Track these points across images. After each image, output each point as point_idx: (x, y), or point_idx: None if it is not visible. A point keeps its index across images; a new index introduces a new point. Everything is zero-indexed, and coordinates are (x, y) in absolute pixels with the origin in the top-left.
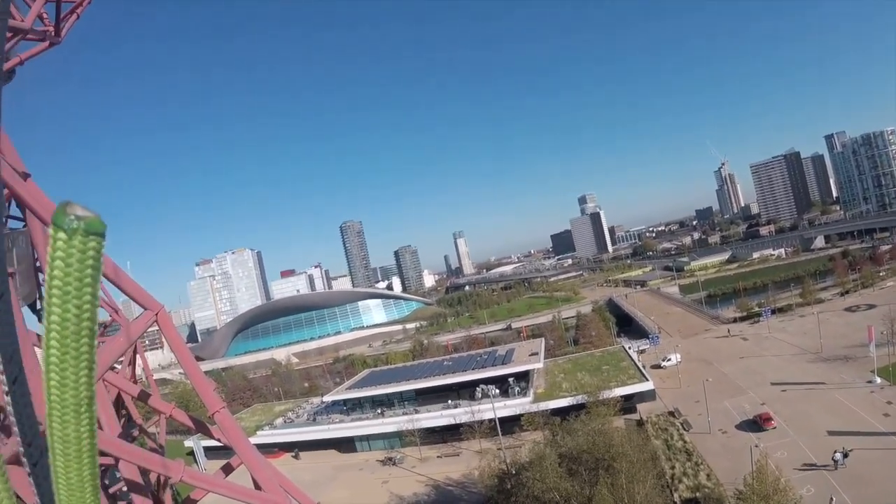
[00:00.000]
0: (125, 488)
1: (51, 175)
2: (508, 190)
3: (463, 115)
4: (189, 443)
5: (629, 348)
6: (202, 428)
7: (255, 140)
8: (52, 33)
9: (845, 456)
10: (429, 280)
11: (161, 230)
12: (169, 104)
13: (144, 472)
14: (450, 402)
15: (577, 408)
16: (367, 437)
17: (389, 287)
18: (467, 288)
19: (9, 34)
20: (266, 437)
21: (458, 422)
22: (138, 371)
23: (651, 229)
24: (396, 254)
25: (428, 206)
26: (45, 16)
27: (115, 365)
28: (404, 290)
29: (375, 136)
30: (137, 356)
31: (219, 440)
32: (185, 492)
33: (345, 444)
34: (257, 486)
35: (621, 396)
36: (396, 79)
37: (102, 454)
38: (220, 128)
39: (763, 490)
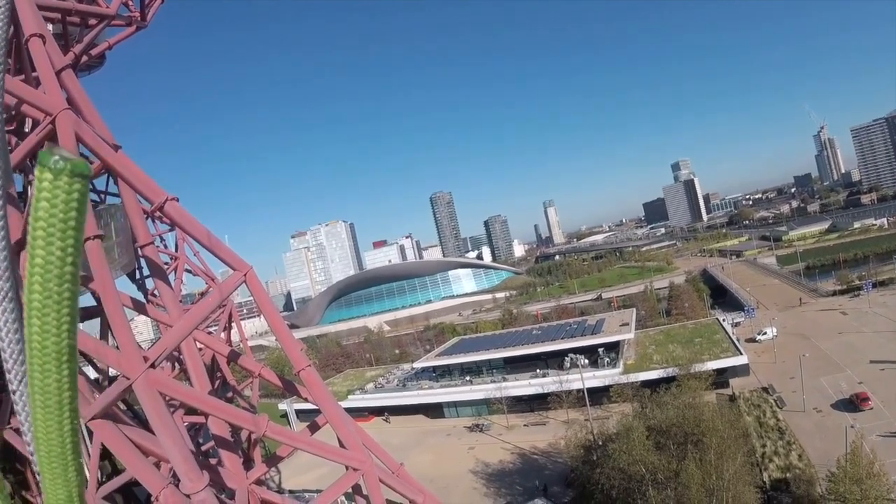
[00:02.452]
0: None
1: (143, 153)
2: (600, 157)
3: (552, 84)
4: (283, 406)
5: (723, 321)
6: (289, 387)
7: (349, 114)
8: (139, 18)
9: None
10: (518, 250)
11: (257, 205)
12: (259, 82)
13: (234, 431)
14: (538, 371)
15: (667, 380)
16: (455, 404)
17: (479, 257)
18: (557, 257)
19: (94, 20)
20: (357, 401)
21: (545, 391)
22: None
23: (747, 197)
24: (486, 223)
25: (518, 176)
26: (130, 2)
27: (211, 329)
28: (494, 259)
29: (465, 108)
30: (233, 323)
31: (305, 399)
32: (275, 449)
33: (433, 410)
34: (341, 445)
35: (714, 370)
36: (485, 52)
37: (192, 412)
38: (311, 103)
39: (856, 474)
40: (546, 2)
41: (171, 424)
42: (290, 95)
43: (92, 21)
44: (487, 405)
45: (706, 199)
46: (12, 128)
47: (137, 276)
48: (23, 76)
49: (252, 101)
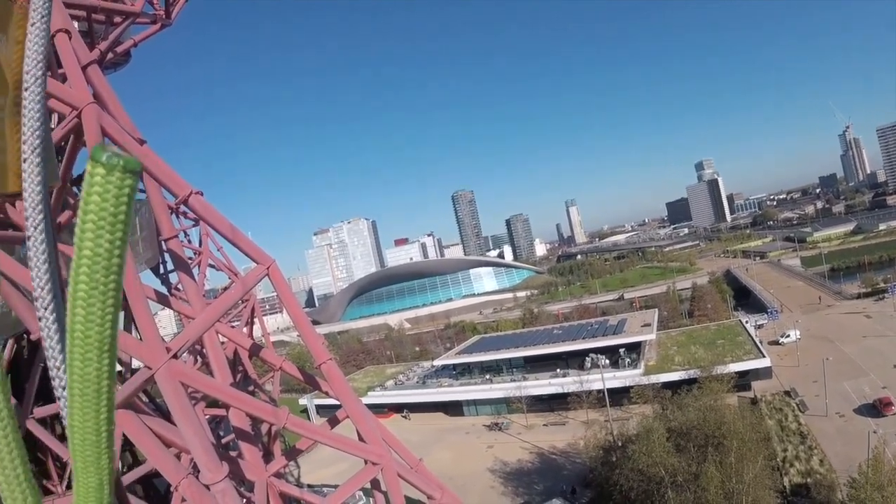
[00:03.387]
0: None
1: (167, 150)
2: (622, 156)
3: (575, 82)
4: (303, 401)
5: (746, 323)
6: (310, 380)
7: (370, 112)
8: (164, 16)
9: None
10: (540, 249)
11: (281, 202)
12: (282, 79)
13: (255, 423)
14: (558, 370)
15: (688, 382)
16: (475, 402)
17: (501, 255)
18: (579, 257)
19: (119, 18)
20: (377, 397)
21: (565, 391)
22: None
23: (772, 197)
24: (508, 222)
25: (540, 175)
26: (154, 0)
27: (234, 324)
28: (515, 258)
29: (488, 106)
30: (255, 318)
31: (326, 392)
32: (296, 439)
33: (452, 408)
34: (361, 439)
35: (735, 373)
36: (507, 49)
37: (215, 404)
38: (335, 100)
39: (878, 480)
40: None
41: (192, 415)
42: (314, 92)
43: (117, 19)
44: (507, 404)
45: (730, 199)
46: None
47: (161, 270)
48: (48, 72)
49: (276, 98)
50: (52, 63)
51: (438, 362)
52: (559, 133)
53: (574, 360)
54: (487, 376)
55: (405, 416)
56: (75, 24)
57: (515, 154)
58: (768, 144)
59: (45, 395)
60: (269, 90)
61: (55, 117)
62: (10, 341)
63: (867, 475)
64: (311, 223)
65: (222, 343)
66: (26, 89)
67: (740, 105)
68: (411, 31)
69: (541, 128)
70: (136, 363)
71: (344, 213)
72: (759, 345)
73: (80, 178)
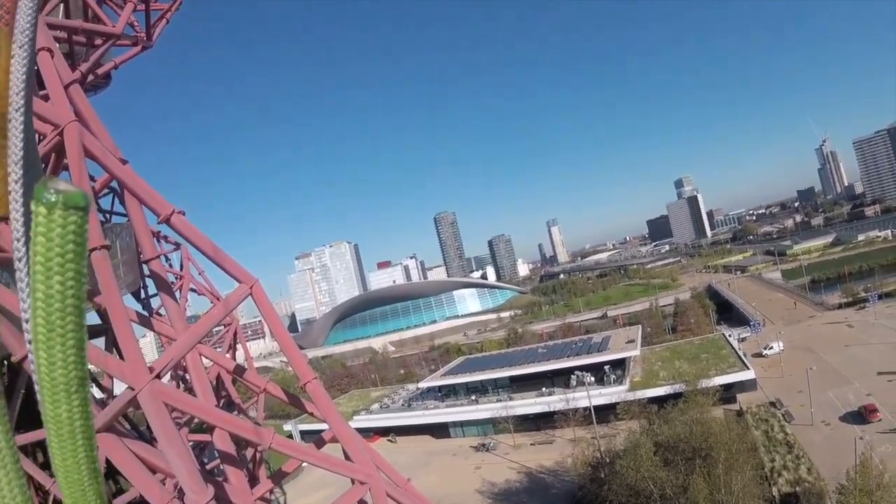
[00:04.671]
0: (222, 467)
1: (148, 174)
2: (603, 176)
3: (555, 103)
4: (288, 426)
5: (729, 336)
6: (295, 401)
7: (351, 135)
8: (144, 38)
9: None
10: (523, 269)
11: (262, 226)
12: (261, 103)
13: (239, 447)
14: (544, 389)
15: (674, 397)
16: (461, 424)
17: (484, 276)
18: (562, 276)
19: (100, 40)
20: (362, 421)
21: (552, 409)
22: (241, 359)
23: (751, 212)
24: (490, 243)
25: (521, 195)
26: (135, 23)
27: (217, 348)
28: (498, 279)
29: (468, 128)
30: (238, 343)
31: (311, 413)
32: (279, 461)
33: (439, 430)
34: (348, 459)
35: (720, 386)
36: (484, 71)
37: (199, 430)
38: (314, 125)
39: (866, 486)
40: (547, 14)
41: (176, 436)
42: (294, 116)
43: (98, 40)
44: (493, 424)
45: (710, 215)
46: None
47: (142, 294)
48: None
49: (256, 121)
50: (33, 82)
51: (423, 384)
52: (540, 153)
53: (559, 379)
54: (473, 397)
55: (391, 440)
56: (56, 45)
57: (497, 175)
58: (747, 160)
59: (27, 421)
60: (250, 113)
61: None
62: None
63: (855, 481)
64: (292, 247)
65: (206, 368)
66: (14, 110)
67: (719, 122)
68: (391, 53)
69: (522, 148)
70: (118, 390)
71: (326, 237)
72: (742, 357)
73: None
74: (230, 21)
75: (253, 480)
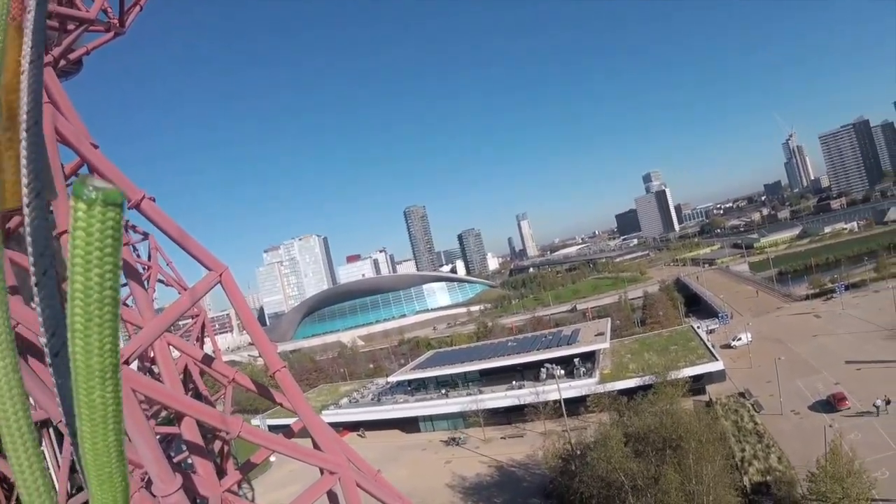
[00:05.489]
0: (189, 460)
1: (118, 161)
2: (572, 170)
3: (525, 97)
4: (256, 421)
5: (698, 328)
6: (263, 391)
7: (318, 127)
8: (117, 24)
9: (888, 403)
10: (493, 263)
11: (230, 218)
12: (232, 93)
13: (207, 440)
14: (514, 383)
15: (644, 388)
16: (431, 418)
17: (454, 270)
18: (531, 270)
19: (73, 25)
20: (331, 416)
21: (522, 403)
22: (209, 350)
23: (719, 206)
24: (460, 237)
25: (491, 190)
26: (108, 9)
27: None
28: (468, 273)
29: (439, 122)
30: (207, 336)
31: (280, 404)
32: (245, 456)
33: (409, 425)
34: (317, 449)
35: (690, 377)
36: (459, 62)
37: (167, 423)
38: (284, 115)
39: (837, 472)
40: (515, 11)
41: (144, 424)
42: (264, 107)
43: (70, 25)
44: (464, 418)
45: (678, 209)
46: None
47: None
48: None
49: (225, 112)
50: None
51: (393, 378)
52: (509, 148)
53: (529, 372)
54: (443, 391)
55: (361, 435)
56: None
57: (467, 169)
58: (714, 155)
59: None
60: (220, 103)
61: None
62: None
63: (825, 469)
64: (261, 241)
65: (174, 360)
66: (29, 107)
67: (687, 117)
68: (362, 46)
69: (491, 143)
70: None
71: (295, 229)
72: (711, 349)
73: None
74: (202, 8)
75: (221, 473)
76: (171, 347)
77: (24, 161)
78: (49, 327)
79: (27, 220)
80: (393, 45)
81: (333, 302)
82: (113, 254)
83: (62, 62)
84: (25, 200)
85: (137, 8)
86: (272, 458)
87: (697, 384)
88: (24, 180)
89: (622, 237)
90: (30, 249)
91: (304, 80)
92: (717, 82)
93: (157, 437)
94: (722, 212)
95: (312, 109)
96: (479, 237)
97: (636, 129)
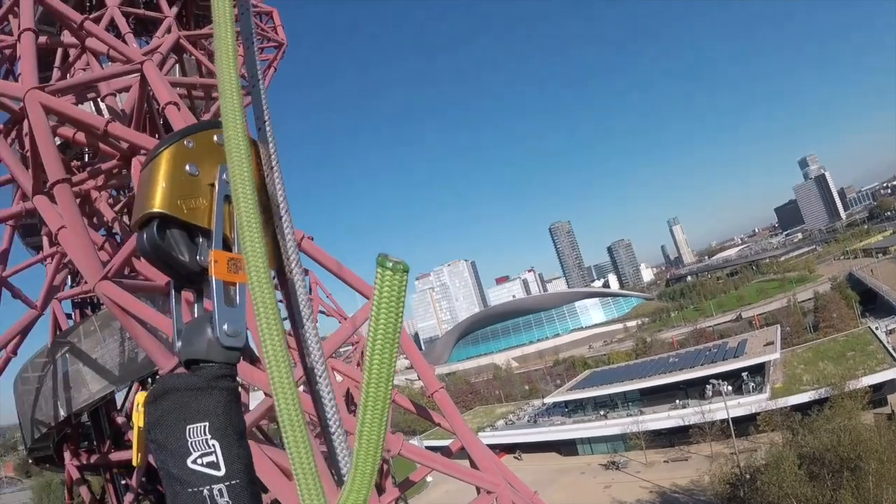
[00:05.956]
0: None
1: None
2: (721, 165)
3: (666, 92)
4: (413, 442)
5: (876, 329)
6: (422, 411)
7: (458, 151)
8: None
9: None
10: (647, 274)
11: (383, 248)
12: (374, 126)
13: None
14: (677, 401)
15: (819, 402)
16: (589, 440)
17: (606, 285)
18: (689, 278)
19: (216, 93)
20: (488, 438)
21: (686, 423)
22: None
23: (885, 185)
24: (610, 249)
25: (637, 196)
26: (245, 73)
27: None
28: (621, 286)
29: (577, 132)
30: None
31: (438, 424)
32: (404, 475)
33: (566, 447)
34: (474, 468)
35: (869, 387)
36: (591, 74)
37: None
38: (424, 147)
39: None
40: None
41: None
42: (407, 142)
43: (214, 93)
44: (624, 440)
45: (841, 193)
46: None
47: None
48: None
49: (368, 148)
50: (162, 134)
51: (549, 400)
52: (654, 150)
53: (693, 390)
54: (601, 412)
55: (517, 457)
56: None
57: (609, 178)
58: (872, 126)
59: None
60: (360, 142)
61: None
62: (136, 385)
63: None
64: (413, 268)
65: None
66: (279, 198)
67: (836, 88)
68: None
69: (634, 148)
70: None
71: (443, 255)
72: (892, 352)
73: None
74: (335, 47)
75: (380, 490)
76: (334, 372)
77: (285, 229)
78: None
79: (291, 281)
80: (535, 61)
81: (486, 324)
82: (401, 306)
83: None
84: (290, 262)
85: (272, 70)
86: (429, 479)
87: (878, 394)
88: (289, 245)
89: (784, 232)
90: (296, 298)
91: (441, 107)
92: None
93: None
94: (889, 191)
95: (451, 139)
96: (629, 248)
97: (787, 111)
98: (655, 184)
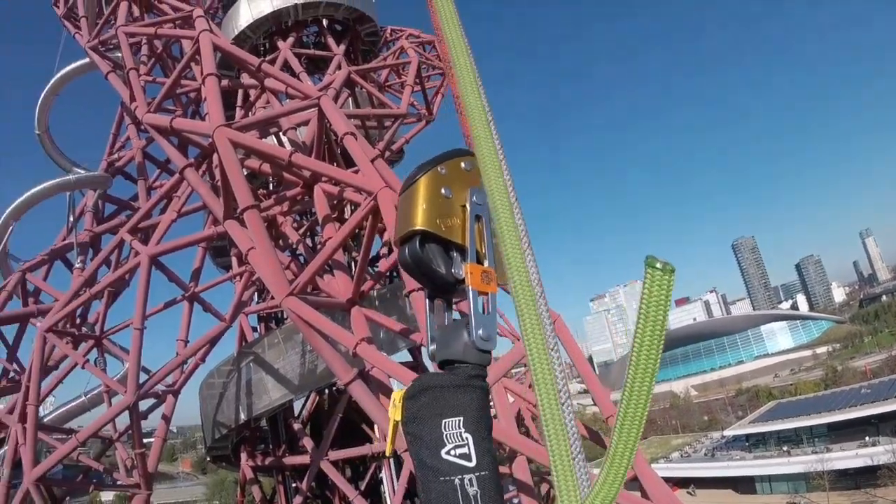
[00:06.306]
0: (516, 500)
1: None
2: None
3: (849, 90)
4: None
5: None
6: (594, 436)
7: (631, 172)
8: (426, 113)
9: None
10: (838, 293)
11: (553, 270)
12: (531, 150)
13: (535, 482)
14: (867, 438)
15: None
16: (769, 478)
17: (794, 306)
18: (885, 298)
19: (389, 122)
20: (661, 469)
21: (875, 463)
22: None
23: None
24: (798, 267)
25: (825, 205)
26: (415, 102)
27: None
28: (811, 308)
29: (758, 142)
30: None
31: None
32: None
33: (744, 484)
34: (646, 498)
35: None
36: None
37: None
38: (591, 167)
39: None
40: None
41: None
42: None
43: (387, 122)
44: (806, 480)
45: None
46: (335, 216)
47: None
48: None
49: (534, 169)
50: (341, 165)
51: (729, 432)
52: (842, 154)
53: (886, 425)
54: (784, 447)
55: (690, 492)
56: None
57: (793, 189)
58: None
59: (341, 441)
60: (522, 164)
61: (348, 209)
62: (314, 394)
63: None
64: (585, 289)
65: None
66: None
67: None
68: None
69: (820, 154)
70: None
71: (619, 276)
72: None
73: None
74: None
75: None
76: (507, 391)
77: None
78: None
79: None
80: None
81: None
82: (667, 304)
83: (386, 153)
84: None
85: (440, 96)
86: None
87: None
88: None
89: None
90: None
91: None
92: None
93: None
94: None
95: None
96: (819, 264)
97: None
98: (845, 190)
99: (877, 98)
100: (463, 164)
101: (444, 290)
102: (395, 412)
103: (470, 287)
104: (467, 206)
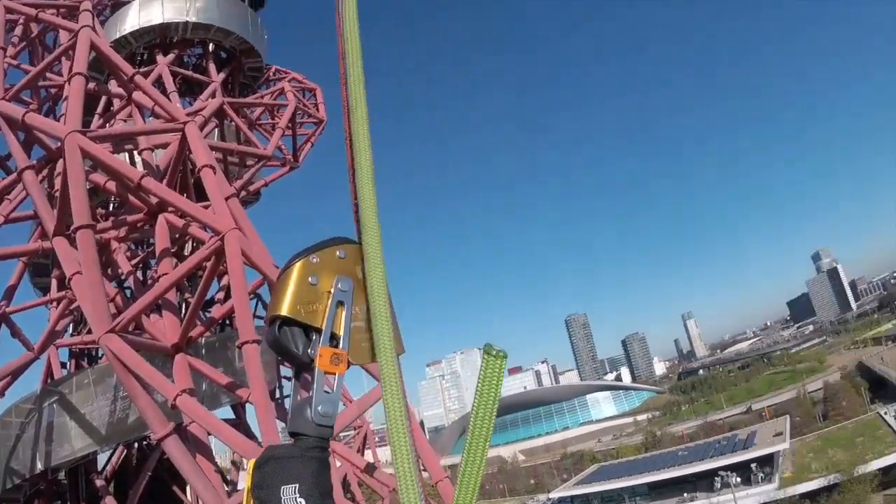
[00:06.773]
0: None
1: None
2: (735, 260)
3: (680, 189)
4: None
5: (885, 414)
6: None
7: (479, 242)
8: (292, 160)
9: None
10: (659, 367)
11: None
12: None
13: None
14: (685, 494)
15: (828, 489)
16: None
17: (618, 378)
18: (701, 372)
19: (252, 161)
20: None
21: None
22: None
23: (894, 274)
24: (623, 343)
25: (652, 291)
26: (282, 146)
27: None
28: (634, 380)
29: (596, 229)
30: (368, 448)
31: None
32: None
33: None
34: None
35: (878, 470)
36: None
37: None
38: (442, 233)
39: None
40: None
41: None
42: (421, 227)
43: (250, 161)
44: None
45: (853, 285)
46: (174, 251)
47: (277, 394)
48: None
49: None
50: (192, 197)
51: (555, 495)
52: (670, 245)
53: (702, 482)
54: None
55: None
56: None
57: (625, 272)
58: (882, 217)
59: (148, 502)
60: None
61: (188, 247)
62: (121, 448)
63: None
64: (423, 354)
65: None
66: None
67: (848, 184)
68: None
69: (650, 243)
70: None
71: (455, 343)
72: None
73: (210, 301)
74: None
75: None
76: (334, 455)
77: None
78: None
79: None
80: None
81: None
82: (499, 386)
83: (242, 193)
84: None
85: (309, 145)
86: None
87: (888, 477)
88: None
89: (796, 325)
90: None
91: (446, 193)
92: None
93: None
94: None
95: (470, 224)
96: (643, 341)
97: (799, 206)
98: (671, 278)
99: (704, 193)
100: (338, 253)
101: (302, 367)
102: (248, 479)
103: (317, 367)
104: (332, 291)
